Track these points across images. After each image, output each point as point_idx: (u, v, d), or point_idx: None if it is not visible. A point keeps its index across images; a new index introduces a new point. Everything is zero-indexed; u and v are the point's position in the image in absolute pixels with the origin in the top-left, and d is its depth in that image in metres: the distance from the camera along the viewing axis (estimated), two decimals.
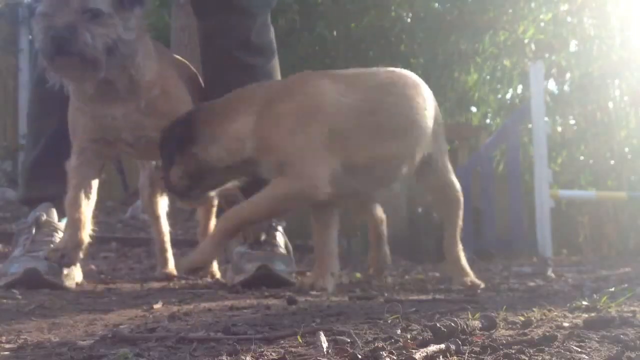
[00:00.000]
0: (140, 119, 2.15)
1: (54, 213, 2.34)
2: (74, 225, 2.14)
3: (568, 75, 6.48)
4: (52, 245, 2.21)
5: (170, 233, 2.77)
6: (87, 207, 2.19)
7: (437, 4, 6.93)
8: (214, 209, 2.61)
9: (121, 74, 2.08)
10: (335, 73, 2.17)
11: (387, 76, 2.17)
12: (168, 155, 2.06)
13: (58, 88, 2.13)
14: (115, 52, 2.03)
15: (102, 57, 1.99)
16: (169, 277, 2.64)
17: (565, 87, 6.59)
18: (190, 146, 2.01)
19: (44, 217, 2.31)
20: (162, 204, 2.71)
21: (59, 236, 2.28)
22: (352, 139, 2.02)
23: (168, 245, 2.73)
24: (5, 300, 1.81)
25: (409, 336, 1.09)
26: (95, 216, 2.26)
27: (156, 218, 2.71)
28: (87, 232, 2.16)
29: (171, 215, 2.80)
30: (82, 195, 2.18)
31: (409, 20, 7.18)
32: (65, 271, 2.23)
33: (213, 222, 2.62)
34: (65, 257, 2.12)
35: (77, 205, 2.16)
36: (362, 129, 2.03)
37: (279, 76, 2.57)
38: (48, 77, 2.09)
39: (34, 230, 2.28)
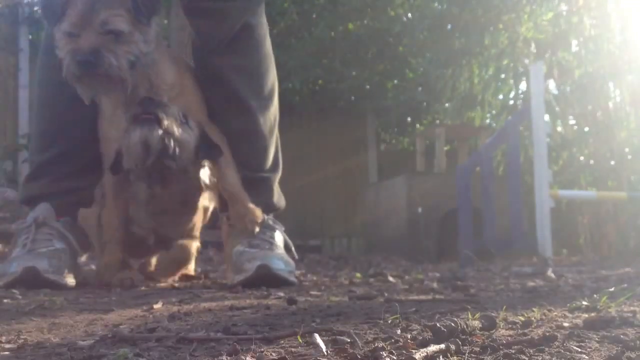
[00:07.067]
0: None
1: (52, 213, 2.34)
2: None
3: (568, 75, 6.47)
4: (50, 248, 2.24)
5: None
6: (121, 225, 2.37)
7: (436, 4, 6.93)
8: None
9: (142, 80, 2.22)
10: None
11: None
12: None
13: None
14: (137, 65, 2.17)
15: (127, 74, 2.14)
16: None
17: (567, 88, 6.58)
18: None
19: (43, 217, 2.31)
20: None
21: (56, 236, 2.29)
22: None
23: None
24: (5, 300, 1.81)
25: (409, 336, 1.09)
26: None
27: None
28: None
29: None
30: (118, 212, 2.36)
31: (405, 19, 7.19)
32: (66, 270, 2.24)
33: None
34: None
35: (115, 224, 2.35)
36: None
37: (262, 80, 2.49)
38: (79, 93, 2.19)
39: (33, 230, 2.29)
